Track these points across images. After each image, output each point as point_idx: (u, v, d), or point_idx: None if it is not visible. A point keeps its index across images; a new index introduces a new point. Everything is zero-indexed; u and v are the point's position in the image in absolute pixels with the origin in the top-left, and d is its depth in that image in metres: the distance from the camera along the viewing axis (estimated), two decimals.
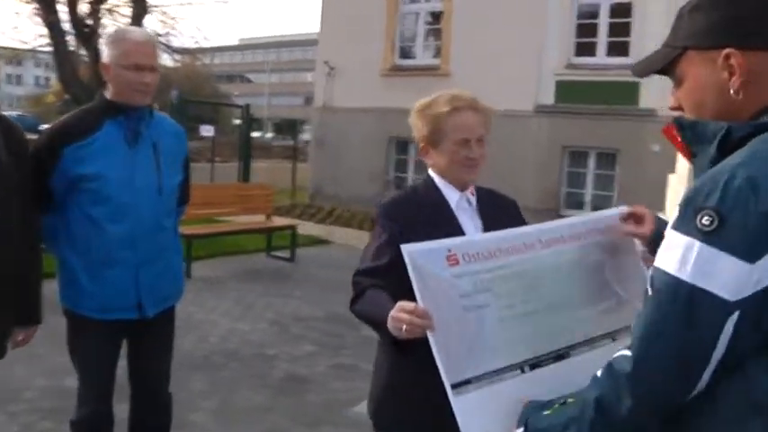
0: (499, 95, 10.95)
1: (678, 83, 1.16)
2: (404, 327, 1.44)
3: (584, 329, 1.52)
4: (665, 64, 1.16)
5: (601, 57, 11.21)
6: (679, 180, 3.53)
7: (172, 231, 2.59)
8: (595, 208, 11.33)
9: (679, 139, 1.12)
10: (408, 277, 1.41)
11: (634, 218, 1.63)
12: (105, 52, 2.35)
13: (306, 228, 10.03)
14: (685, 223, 0.98)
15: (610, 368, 1.05)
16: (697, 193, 0.98)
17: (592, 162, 11.41)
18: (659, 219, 1.63)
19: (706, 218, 0.96)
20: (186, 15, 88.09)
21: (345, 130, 13.00)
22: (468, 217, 1.89)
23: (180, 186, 2.58)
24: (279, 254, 8.63)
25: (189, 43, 18.01)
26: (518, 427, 1.23)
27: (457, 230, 1.80)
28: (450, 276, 1.42)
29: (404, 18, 13.03)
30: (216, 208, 8.52)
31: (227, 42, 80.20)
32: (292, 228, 8.73)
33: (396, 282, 1.57)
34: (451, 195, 1.90)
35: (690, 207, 0.99)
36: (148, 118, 2.43)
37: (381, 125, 12.11)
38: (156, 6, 15.43)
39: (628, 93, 10.69)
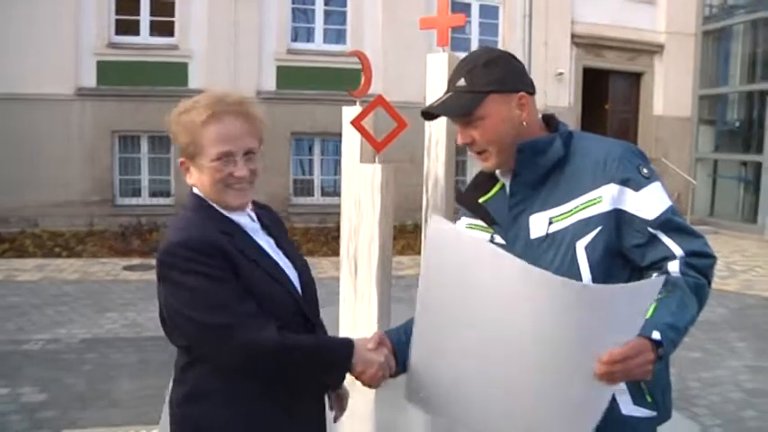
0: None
1: (477, 120, 1.51)
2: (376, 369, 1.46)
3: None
4: (474, 105, 1.50)
5: (144, 36, 10.70)
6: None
7: None
8: (152, 194, 10.99)
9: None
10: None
11: None
12: None
13: None
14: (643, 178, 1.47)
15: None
16: (630, 163, 1.47)
17: (145, 146, 10.87)
18: None
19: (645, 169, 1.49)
20: None
21: None
22: (260, 238, 1.57)
23: None
24: None
25: None
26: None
27: (264, 255, 1.53)
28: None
29: None
30: None
31: None
32: None
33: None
34: (236, 217, 1.54)
35: (635, 173, 1.45)
36: None
37: None
38: None
39: (176, 73, 10.50)
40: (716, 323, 6.30)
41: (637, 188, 1.43)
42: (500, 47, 12.07)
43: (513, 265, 1.27)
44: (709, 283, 1.42)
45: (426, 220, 3.66)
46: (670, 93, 13.65)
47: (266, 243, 1.56)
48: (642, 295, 1.21)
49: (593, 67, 13.49)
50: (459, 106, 1.52)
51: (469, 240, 1.45)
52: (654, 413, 1.48)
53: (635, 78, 13.77)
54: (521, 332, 1.26)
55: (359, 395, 3.22)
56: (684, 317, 1.33)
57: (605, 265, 1.44)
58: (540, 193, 1.51)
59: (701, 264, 1.40)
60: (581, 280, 1.41)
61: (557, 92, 13.15)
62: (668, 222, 1.41)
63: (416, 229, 8.66)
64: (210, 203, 1.50)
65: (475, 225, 1.64)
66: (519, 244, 1.50)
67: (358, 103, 3.62)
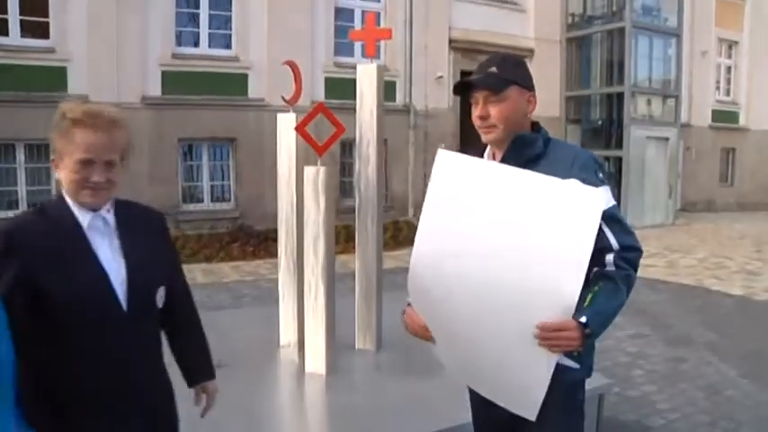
0: None
1: (499, 100, 1.85)
2: None
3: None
4: (502, 87, 1.85)
5: (14, 38, 10.04)
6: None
7: None
8: (31, 204, 10.35)
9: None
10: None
11: None
12: None
13: None
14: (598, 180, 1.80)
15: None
16: (590, 167, 1.83)
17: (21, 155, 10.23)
18: None
19: (601, 174, 1.85)
20: None
21: None
22: (102, 238, 1.68)
23: None
24: None
25: None
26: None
27: (88, 255, 1.63)
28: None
29: None
30: None
31: None
32: None
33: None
34: (83, 215, 1.67)
35: (593, 175, 1.80)
36: None
37: None
38: None
39: (53, 78, 10.00)
40: None
41: (593, 187, 1.79)
42: (382, 51, 12.56)
43: (509, 171, 1.69)
44: (636, 271, 1.83)
45: (359, 218, 3.92)
46: (540, 94, 14.05)
47: (103, 242, 1.66)
48: (590, 202, 1.61)
49: (470, 70, 14.21)
50: (493, 84, 1.86)
51: (474, 160, 1.80)
52: (577, 365, 1.84)
53: None
54: (506, 231, 1.62)
55: (310, 381, 3.46)
56: (612, 305, 1.73)
57: None
58: None
59: (631, 256, 1.80)
60: None
61: (437, 94, 13.82)
62: (612, 217, 1.78)
63: (345, 228, 8.75)
64: (66, 199, 1.67)
65: None
66: None
67: (291, 110, 3.82)
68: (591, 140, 15.13)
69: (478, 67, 1.92)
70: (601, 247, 1.73)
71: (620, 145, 13.96)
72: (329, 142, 3.48)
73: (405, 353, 3.69)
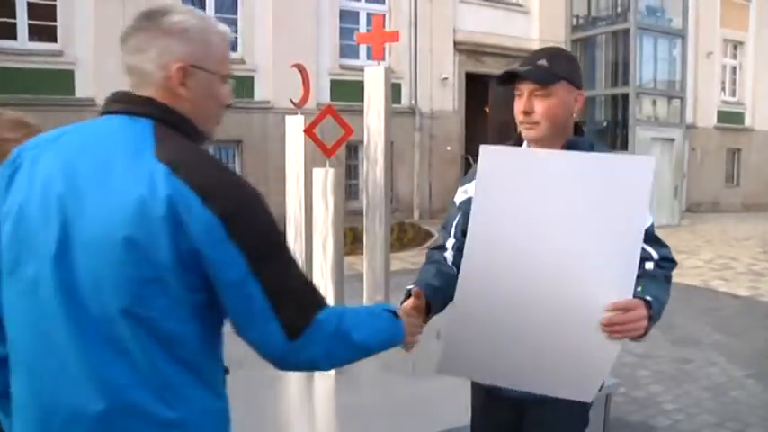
0: None
1: (546, 95, 1.74)
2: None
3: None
4: (551, 81, 1.73)
5: (23, 41, 10.16)
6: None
7: None
8: None
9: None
10: None
11: None
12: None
13: None
14: None
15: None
16: None
17: None
18: None
19: None
20: None
21: None
22: None
23: None
24: None
25: None
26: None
27: None
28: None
29: None
30: None
31: None
32: None
33: None
34: None
35: None
36: None
37: None
38: None
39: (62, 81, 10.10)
40: None
41: None
42: (388, 53, 12.60)
43: (556, 156, 1.56)
44: (670, 273, 1.84)
45: (366, 220, 3.96)
46: None
47: None
48: (639, 170, 1.48)
49: (475, 72, 14.33)
50: (542, 77, 1.72)
51: (520, 152, 1.70)
52: None
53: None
54: (562, 220, 1.49)
55: (318, 379, 3.49)
56: (663, 295, 1.70)
57: None
58: None
59: (667, 266, 1.82)
60: None
61: (442, 96, 13.87)
62: (651, 234, 1.78)
63: (351, 230, 8.69)
64: None
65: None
66: None
67: (299, 113, 3.86)
68: (596, 142, 15.12)
69: (526, 58, 1.80)
70: (642, 257, 1.67)
71: (625, 146, 13.96)
72: (337, 144, 3.52)
73: (413, 353, 3.71)
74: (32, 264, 1.14)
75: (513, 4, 14.72)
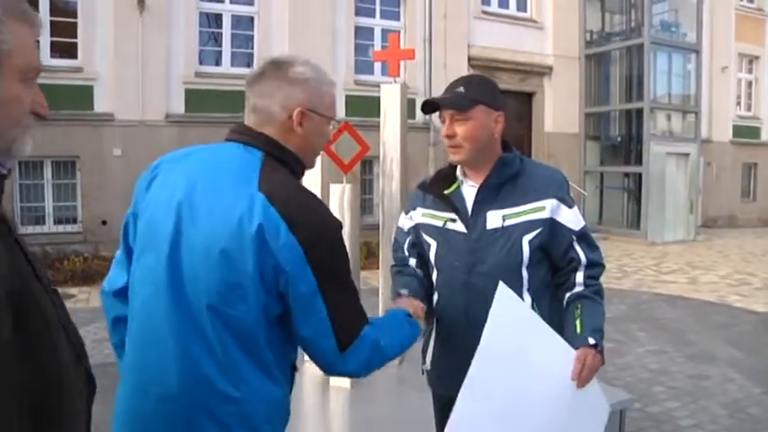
0: None
1: (465, 119, 1.90)
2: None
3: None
4: (468, 106, 1.89)
5: (45, 58, 10.34)
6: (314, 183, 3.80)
7: None
8: (58, 221, 10.60)
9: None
10: None
11: None
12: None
13: None
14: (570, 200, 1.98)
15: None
16: (563, 188, 1.99)
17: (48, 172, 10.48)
18: None
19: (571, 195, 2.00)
20: None
21: None
22: None
23: None
24: None
25: None
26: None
27: None
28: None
29: None
30: None
31: None
32: None
33: None
34: None
35: (567, 195, 1.98)
36: None
37: None
38: None
39: (82, 96, 10.25)
40: (620, 318, 7.10)
41: (569, 206, 1.96)
42: (402, 68, 12.68)
43: (553, 337, 1.81)
44: (598, 281, 2.01)
45: (382, 234, 4.00)
46: (559, 111, 14.80)
47: None
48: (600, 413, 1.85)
49: None
50: (458, 104, 1.91)
51: (525, 309, 1.87)
52: None
53: (527, 98, 14.75)
54: (545, 382, 1.79)
55: (334, 393, 3.52)
56: (599, 319, 1.90)
57: (537, 255, 1.94)
58: (498, 195, 1.96)
59: (596, 272, 1.98)
60: (522, 263, 1.93)
61: None
62: (584, 235, 1.97)
63: (365, 245, 8.64)
64: None
65: (429, 214, 2.06)
66: (476, 232, 1.95)
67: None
68: (610, 157, 15.11)
69: (447, 87, 1.99)
70: (570, 259, 1.94)
71: (639, 161, 13.92)
72: (354, 160, 3.58)
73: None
74: (152, 254, 1.43)
75: (527, 20, 14.78)
